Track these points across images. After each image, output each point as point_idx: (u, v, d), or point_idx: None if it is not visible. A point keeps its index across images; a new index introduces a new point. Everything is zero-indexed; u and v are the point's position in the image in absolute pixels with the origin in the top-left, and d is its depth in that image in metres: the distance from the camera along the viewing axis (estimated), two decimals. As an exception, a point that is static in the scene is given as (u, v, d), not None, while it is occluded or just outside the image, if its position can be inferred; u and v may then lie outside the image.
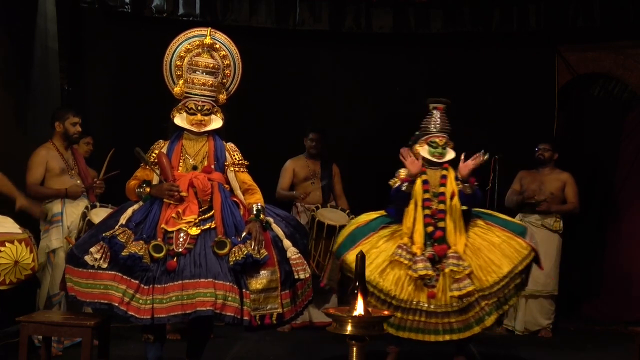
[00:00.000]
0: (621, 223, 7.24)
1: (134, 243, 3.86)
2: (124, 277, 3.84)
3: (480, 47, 7.49)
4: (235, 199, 4.16)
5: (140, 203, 4.12)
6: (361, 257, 3.40)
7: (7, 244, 4.15)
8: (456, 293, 4.50)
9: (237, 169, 4.24)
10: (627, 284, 7.00)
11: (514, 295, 4.70)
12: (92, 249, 3.88)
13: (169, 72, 4.35)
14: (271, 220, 4.14)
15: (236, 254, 3.86)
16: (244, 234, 3.96)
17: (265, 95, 7.29)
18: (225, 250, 3.89)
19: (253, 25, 7.18)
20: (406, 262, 4.58)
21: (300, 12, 7.23)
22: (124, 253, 3.82)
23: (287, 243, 4.05)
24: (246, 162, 4.31)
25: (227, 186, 4.19)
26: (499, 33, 7.32)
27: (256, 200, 4.15)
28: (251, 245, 3.89)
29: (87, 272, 3.89)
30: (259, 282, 3.91)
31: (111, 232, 3.91)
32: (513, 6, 7.17)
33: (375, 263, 4.62)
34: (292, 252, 4.03)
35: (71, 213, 5.17)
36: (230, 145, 4.30)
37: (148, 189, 4.11)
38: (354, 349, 3.40)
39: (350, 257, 4.58)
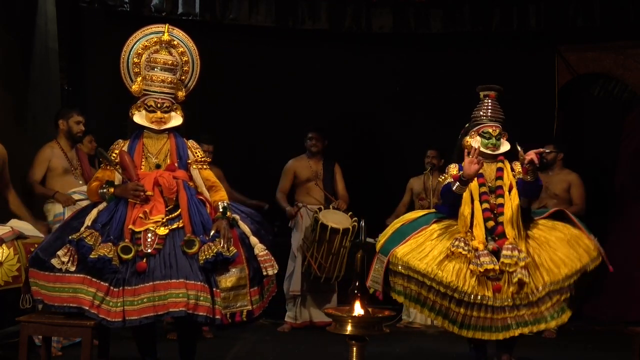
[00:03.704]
0: (621, 223, 7.23)
1: (102, 245, 3.79)
2: (94, 280, 3.77)
3: (480, 47, 7.49)
4: (200, 197, 4.12)
5: (104, 204, 4.04)
6: (361, 258, 3.40)
7: None
8: (512, 288, 4.11)
9: (200, 166, 4.19)
10: (627, 283, 6.97)
11: (583, 295, 4.33)
12: (60, 252, 3.79)
13: (126, 69, 4.27)
14: (237, 217, 4.10)
15: (206, 253, 3.83)
16: (212, 232, 3.93)
17: (265, 94, 7.30)
18: (195, 249, 3.86)
19: (252, 25, 7.19)
20: (465, 252, 4.16)
21: (300, 11, 7.23)
22: (93, 256, 3.75)
23: (254, 240, 4.03)
24: (208, 159, 4.27)
25: (191, 184, 4.14)
26: (499, 33, 7.33)
27: (221, 197, 4.11)
28: (220, 243, 3.87)
29: (54, 276, 3.81)
30: (228, 280, 3.89)
31: (78, 234, 3.83)
32: (513, 6, 7.18)
33: (431, 255, 4.21)
34: (259, 248, 4.01)
35: (73, 214, 5.18)
36: (191, 143, 4.24)
37: (112, 190, 4.03)
38: (354, 349, 3.40)
39: (401, 250, 4.27)
